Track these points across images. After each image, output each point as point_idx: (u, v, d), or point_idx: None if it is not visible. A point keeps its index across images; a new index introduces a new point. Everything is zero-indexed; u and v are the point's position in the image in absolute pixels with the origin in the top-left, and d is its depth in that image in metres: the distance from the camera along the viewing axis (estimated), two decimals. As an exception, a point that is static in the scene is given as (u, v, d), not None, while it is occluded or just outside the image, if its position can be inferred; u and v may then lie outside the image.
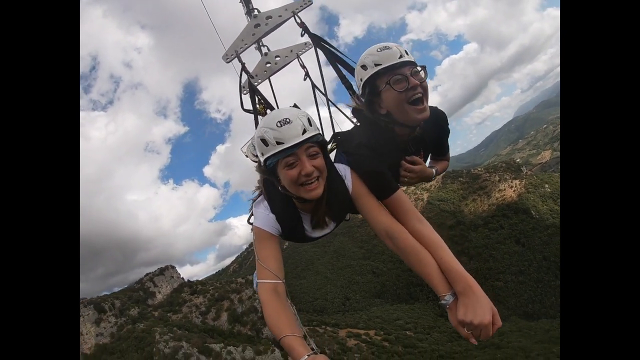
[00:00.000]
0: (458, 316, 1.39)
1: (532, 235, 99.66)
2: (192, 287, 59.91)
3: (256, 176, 1.91)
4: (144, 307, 54.31)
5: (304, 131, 1.52)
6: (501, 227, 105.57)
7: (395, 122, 1.85)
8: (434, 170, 2.18)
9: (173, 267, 63.60)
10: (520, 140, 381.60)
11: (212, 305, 53.90)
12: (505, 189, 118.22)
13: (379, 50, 1.77)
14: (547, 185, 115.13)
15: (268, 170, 1.63)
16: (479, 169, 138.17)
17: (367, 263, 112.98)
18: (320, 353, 1.36)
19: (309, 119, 1.58)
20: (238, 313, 51.69)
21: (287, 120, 1.51)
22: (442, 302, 1.45)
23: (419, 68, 1.76)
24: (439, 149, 2.30)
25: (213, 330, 47.33)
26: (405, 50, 1.77)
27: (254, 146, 1.70)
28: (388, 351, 54.69)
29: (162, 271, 61.92)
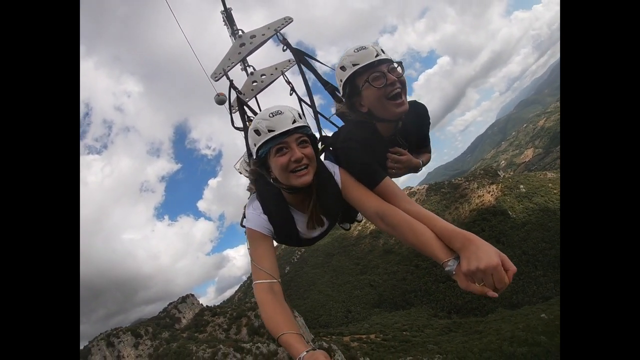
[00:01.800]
0: (463, 269, 1.29)
1: (511, 234, 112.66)
2: (212, 310, 70.64)
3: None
4: (173, 330, 64.72)
5: (294, 121, 1.63)
6: (482, 230, 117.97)
7: (377, 119, 1.93)
8: (420, 161, 2.23)
9: (192, 295, 74.60)
10: (503, 142, 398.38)
11: (232, 323, 64.46)
12: (483, 195, 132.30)
13: (355, 50, 1.85)
14: (522, 186, 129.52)
15: (259, 162, 1.71)
16: (459, 179, 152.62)
17: (364, 277, 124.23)
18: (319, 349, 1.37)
19: (299, 113, 1.70)
20: (256, 326, 62.19)
21: (279, 111, 1.64)
22: (447, 269, 1.36)
23: (395, 64, 1.83)
24: (421, 141, 2.37)
25: (236, 342, 58.01)
26: (382, 49, 1.85)
27: (246, 162, 1.85)
28: (385, 346, 65.72)
29: (184, 299, 72.77)
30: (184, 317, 69.32)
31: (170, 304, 72.85)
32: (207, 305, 74.54)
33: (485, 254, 1.25)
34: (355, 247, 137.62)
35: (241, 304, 71.73)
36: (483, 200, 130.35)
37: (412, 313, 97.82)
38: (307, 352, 1.35)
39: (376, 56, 1.81)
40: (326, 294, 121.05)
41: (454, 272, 1.35)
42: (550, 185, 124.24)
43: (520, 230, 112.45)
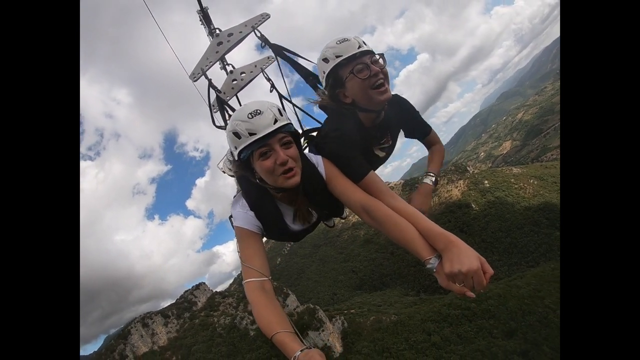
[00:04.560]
0: (445, 270, 1.36)
1: (473, 224, 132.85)
2: (221, 294, 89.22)
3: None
4: (192, 311, 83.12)
5: (276, 121, 1.56)
6: (448, 221, 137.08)
7: (360, 109, 1.98)
8: (429, 182, 2.31)
9: (204, 284, 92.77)
10: (483, 134, 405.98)
11: (240, 302, 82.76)
12: (452, 190, 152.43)
13: (338, 42, 1.87)
14: (486, 181, 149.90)
15: (242, 164, 1.67)
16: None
17: (347, 264, 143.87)
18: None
19: (279, 109, 1.63)
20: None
21: (258, 111, 1.55)
22: (428, 266, 1.43)
23: (377, 56, 1.88)
24: (417, 126, 2.40)
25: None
26: (363, 41, 1.87)
27: (229, 161, 1.80)
28: (359, 314, 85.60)
29: (197, 287, 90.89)
30: (199, 301, 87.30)
31: (186, 291, 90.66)
32: (217, 291, 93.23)
33: (467, 258, 1.32)
34: (339, 238, 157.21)
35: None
36: (451, 194, 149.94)
37: (387, 293, 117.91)
38: (301, 350, 1.35)
39: (358, 48, 1.86)
40: (314, 280, 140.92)
41: (434, 270, 1.43)
42: (512, 180, 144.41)
43: (481, 220, 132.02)
